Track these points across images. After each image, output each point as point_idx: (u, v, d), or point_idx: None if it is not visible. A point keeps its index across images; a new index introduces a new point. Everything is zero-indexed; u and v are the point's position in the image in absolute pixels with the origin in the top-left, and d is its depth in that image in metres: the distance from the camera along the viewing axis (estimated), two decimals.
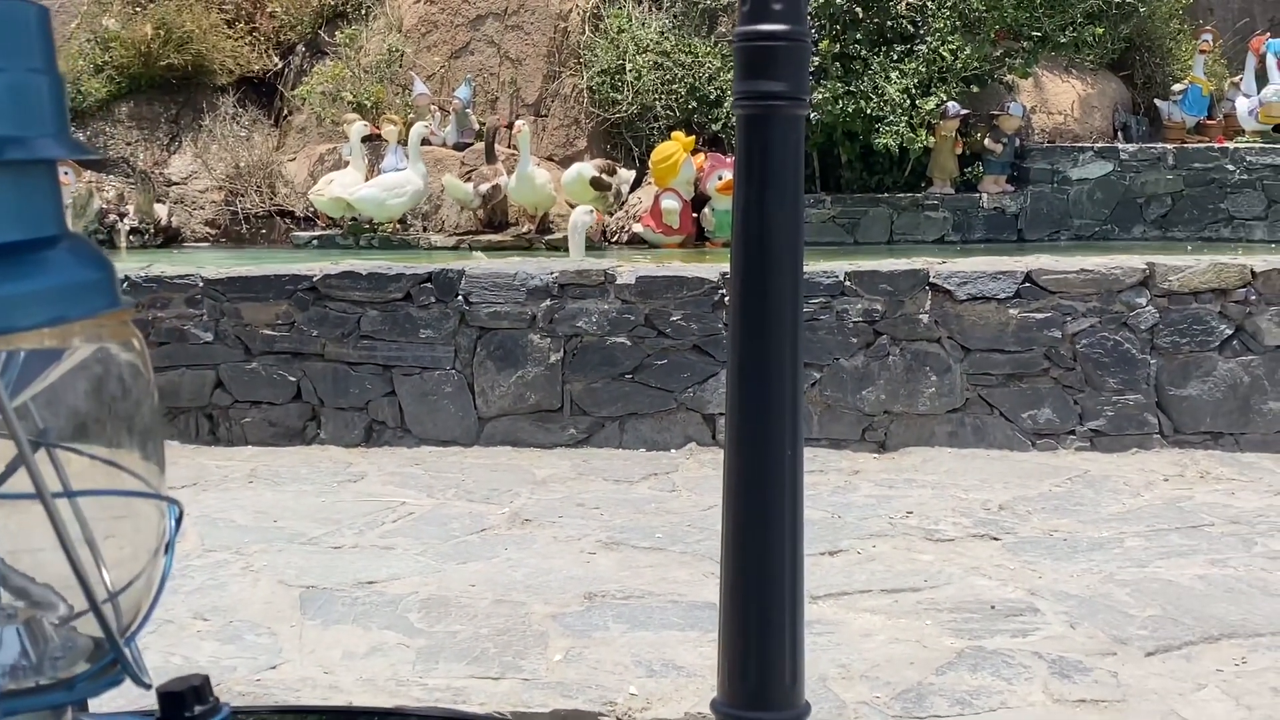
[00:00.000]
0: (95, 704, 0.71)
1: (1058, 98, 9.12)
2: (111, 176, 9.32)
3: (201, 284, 5.59)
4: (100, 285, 0.62)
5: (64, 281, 0.61)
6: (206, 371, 5.57)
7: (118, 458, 0.67)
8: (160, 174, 9.48)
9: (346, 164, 8.73)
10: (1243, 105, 8.91)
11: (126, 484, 0.67)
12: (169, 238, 9.18)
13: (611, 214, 8.55)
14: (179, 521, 0.68)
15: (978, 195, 8.51)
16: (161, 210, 9.17)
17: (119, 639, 0.59)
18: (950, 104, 8.19)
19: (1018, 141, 8.59)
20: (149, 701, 0.78)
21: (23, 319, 0.58)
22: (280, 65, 10.05)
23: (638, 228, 8.31)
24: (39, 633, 0.65)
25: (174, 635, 3.26)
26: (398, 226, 8.60)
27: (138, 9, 9.74)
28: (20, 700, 0.61)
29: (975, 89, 8.47)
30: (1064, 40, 8.63)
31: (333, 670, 3.11)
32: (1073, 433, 5.24)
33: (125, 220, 8.94)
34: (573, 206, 8.55)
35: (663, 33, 8.96)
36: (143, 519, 0.68)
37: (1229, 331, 5.19)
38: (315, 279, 5.52)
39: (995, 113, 8.53)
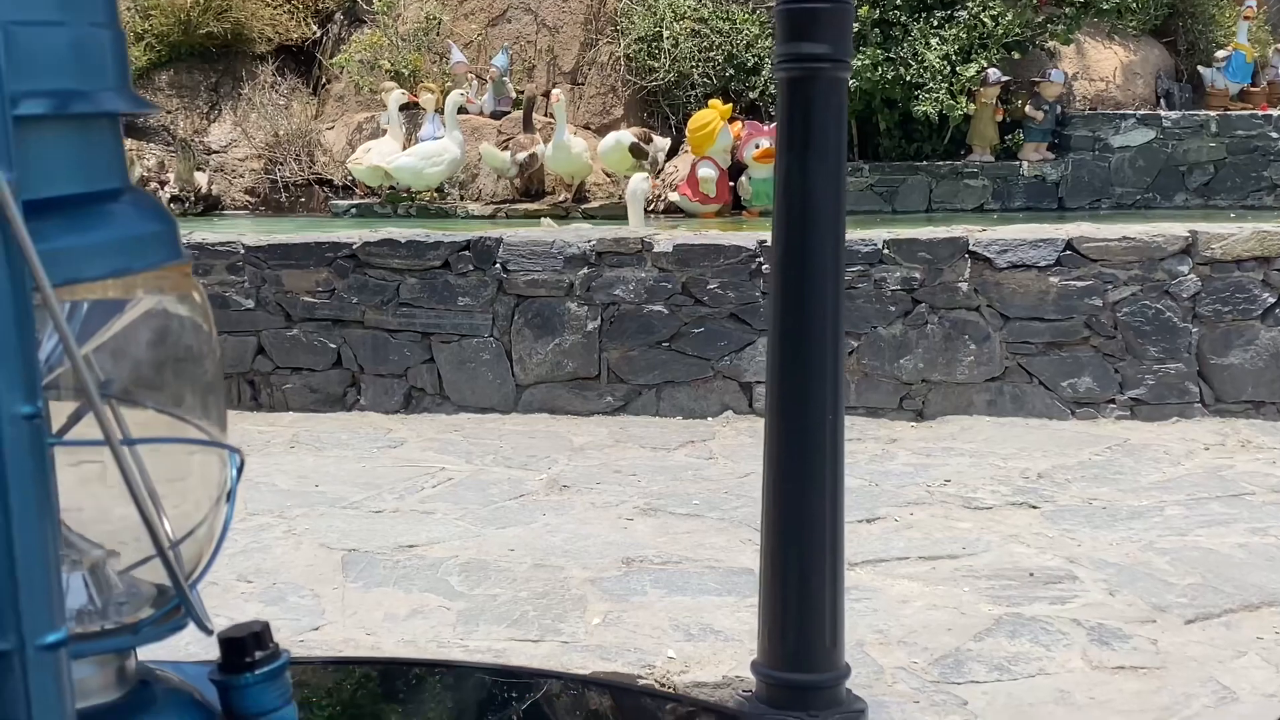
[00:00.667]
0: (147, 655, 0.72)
1: (1100, 64, 9.02)
2: (152, 144, 9.38)
3: (243, 251, 5.63)
4: (163, 238, 0.63)
5: (127, 234, 0.61)
6: (248, 338, 5.62)
7: (179, 409, 0.68)
8: (200, 142, 9.52)
9: (384, 132, 8.75)
10: None
11: (188, 435, 0.68)
12: (209, 205, 9.23)
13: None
14: (240, 470, 0.69)
15: (1018, 163, 8.43)
16: (201, 178, 9.22)
17: (184, 584, 0.60)
18: (991, 70, 8.11)
19: (1059, 109, 8.51)
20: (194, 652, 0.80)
21: (87, 270, 0.59)
22: (319, 33, 10.07)
23: (674, 196, 8.29)
24: (103, 579, 0.66)
25: (219, 597, 3.31)
26: (435, 195, 8.61)
27: None
28: (87, 644, 0.62)
29: (1016, 55, 8.39)
30: (1107, 6, 8.55)
31: (375, 632, 3.14)
32: (1113, 401, 5.21)
33: (166, 188, 8.99)
34: (609, 175, 8.55)
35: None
36: (204, 468, 0.69)
37: (1272, 300, 5.14)
38: (355, 246, 5.54)
39: (1036, 79, 8.45)
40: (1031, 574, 3.50)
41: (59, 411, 0.65)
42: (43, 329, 0.58)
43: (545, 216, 7.57)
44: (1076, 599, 3.32)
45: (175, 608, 0.65)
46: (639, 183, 6.98)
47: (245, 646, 0.68)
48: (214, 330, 0.69)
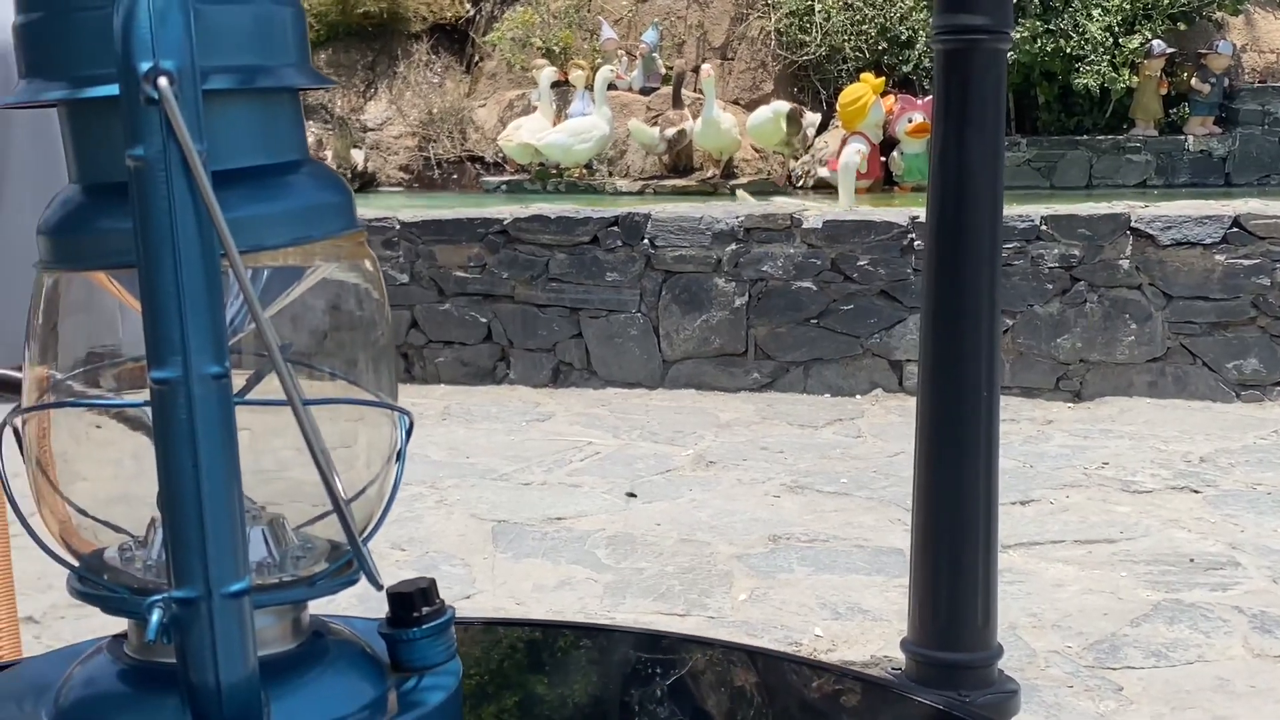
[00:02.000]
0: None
1: (1270, 35, 8.70)
2: (310, 122, 9.60)
3: (398, 226, 5.74)
4: (340, 208, 0.65)
5: (307, 204, 0.64)
6: (402, 312, 5.73)
7: (352, 372, 0.71)
8: (357, 120, 9.72)
9: (535, 109, 8.83)
10: None
11: (360, 398, 0.71)
12: (365, 182, 9.42)
13: (797, 158, 8.48)
14: (409, 432, 0.71)
15: (1183, 138, 8.18)
16: (358, 155, 9.41)
17: (358, 539, 0.62)
18: (1155, 42, 7.88)
19: (1226, 81, 8.22)
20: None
21: (270, 238, 0.62)
22: (472, 12, 10.19)
23: (823, 172, 8.22)
24: (281, 535, 0.69)
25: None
26: (583, 171, 8.67)
27: None
28: (267, 594, 0.65)
29: (1182, 26, 8.14)
30: None
31: (524, 601, 3.20)
32: (1279, 384, 5.04)
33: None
34: (757, 150, 8.52)
35: None
36: (374, 430, 0.72)
37: None
38: (506, 222, 5.62)
39: (1203, 51, 8.18)
40: (1192, 560, 3.41)
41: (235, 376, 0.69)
42: (227, 294, 0.61)
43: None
44: (1238, 586, 3.23)
45: (347, 563, 0.68)
46: (851, 156, 6.82)
47: (413, 602, 0.70)
48: (385, 297, 0.71)
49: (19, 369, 0.75)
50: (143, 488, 0.65)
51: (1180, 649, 2.88)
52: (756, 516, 3.83)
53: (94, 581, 0.67)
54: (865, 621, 3.06)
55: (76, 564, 0.69)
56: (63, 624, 3.03)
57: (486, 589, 3.29)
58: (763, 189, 7.85)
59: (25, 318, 0.69)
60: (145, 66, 0.55)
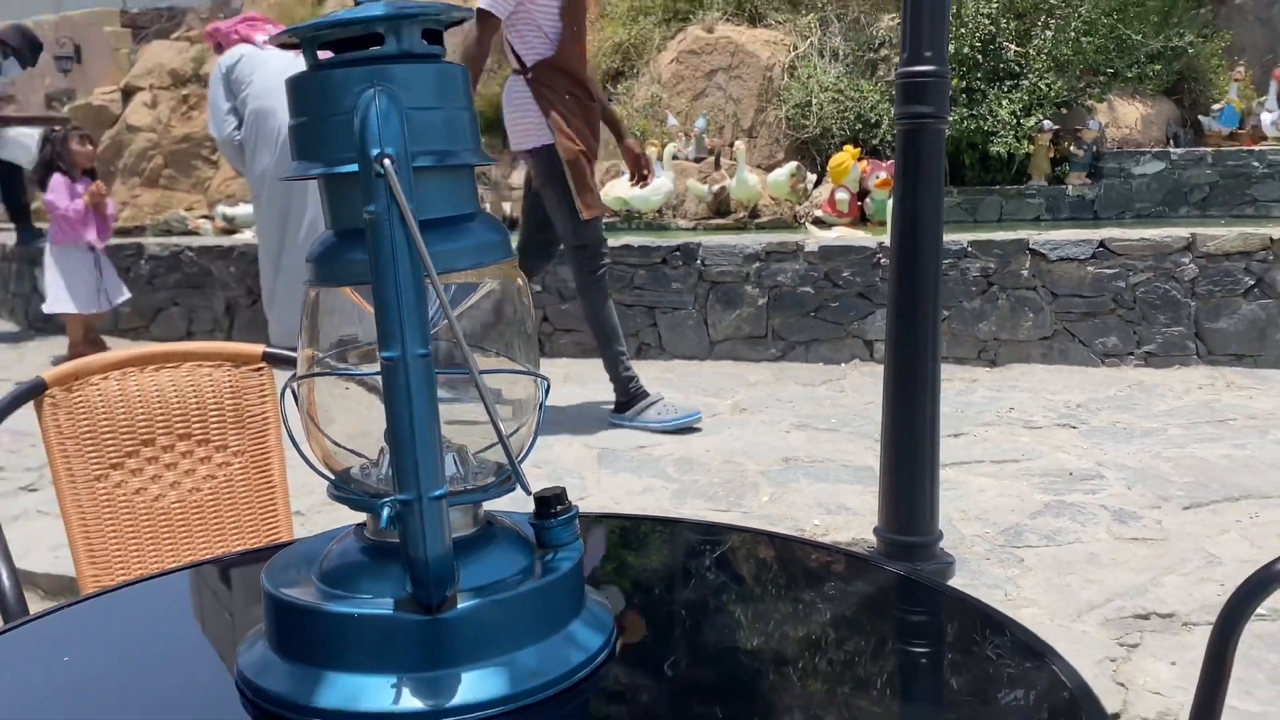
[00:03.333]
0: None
1: (1125, 115, 8.44)
2: (483, 186, 9.65)
3: None
4: (501, 243, 0.66)
5: (480, 241, 0.65)
6: (538, 310, 5.76)
7: (509, 351, 0.72)
8: (506, 183, 9.77)
9: (621, 174, 8.80)
10: (1266, 118, 8.04)
11: (515, 368, 0.71)
12: (510, 225, 9.45)
13: (800, 204, 8.38)
14: (547, 391, 0.72)
15: (1065, 186, 7.95)
16: (506, 206, 9.45)
17: (515, 462, 0.63)
18: (1045, 121, 7.67)
19: (1095, 148, 7.99)
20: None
21: (456, 264, 0.63)
22: None
23: (818, 213, 8.11)
24: (465, 458, 0.70)
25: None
26: (656, 215, 8.64)
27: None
28: (456, 498, 0.66)
29: (1064, 110, 7.92)
30: (1131, 75, 7.98)
31: (620, 502, 3.21)
32: (1132, 354, 4.92)
33: None
34: (774, 199, 8.42)
35: (839, 77, 8.67)
36: (524, 389, 0.73)
37: (1251, 282, 4.77)
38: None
39: (1078, 128, 7.95)
40: (1071, 473, 3.35)
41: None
42: (429, 301, 0.61)
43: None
44: (1103, 491, 3.17)
45: (508, 477, 0.69)
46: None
47: (551, 502, 0.71)
48: (531, 302, 0.72)
49: (294, 349, 0.76)
50: (375, 427, 0.66)
51: (1063, 534, 2.83)
52: (774, 446, 3.81)
53: (343, 489, 0.69)
54: (848, 515, 3.04)
55: (332, 477, 0.70)
56: (320, 516, 3.10)
57: (594, 494, 3.31)
58: (780, 225, 7.78)
59: (300, 316, 0.71)
60: (375, 152, 0.56)
